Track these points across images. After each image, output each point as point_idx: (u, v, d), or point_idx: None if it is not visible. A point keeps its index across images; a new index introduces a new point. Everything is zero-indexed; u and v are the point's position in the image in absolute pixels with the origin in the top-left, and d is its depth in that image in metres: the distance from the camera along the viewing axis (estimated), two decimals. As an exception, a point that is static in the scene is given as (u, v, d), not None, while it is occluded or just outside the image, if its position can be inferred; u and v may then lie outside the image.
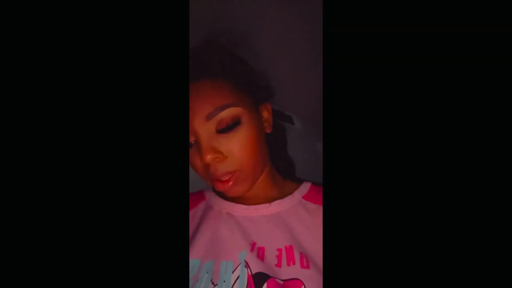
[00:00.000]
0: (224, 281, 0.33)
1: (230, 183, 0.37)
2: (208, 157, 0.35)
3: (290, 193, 0.44)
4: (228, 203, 0.43)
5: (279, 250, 0.36)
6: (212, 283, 0.33)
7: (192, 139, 0.38)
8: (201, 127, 0.36)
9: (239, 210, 0.41)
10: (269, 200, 0.42)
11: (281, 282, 0.33)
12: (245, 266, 0.34)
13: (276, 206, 0.41)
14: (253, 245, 0.37)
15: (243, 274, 0.33)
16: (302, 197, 0.43)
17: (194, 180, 0.43)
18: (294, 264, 0.35)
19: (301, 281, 0.33)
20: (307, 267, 0.34)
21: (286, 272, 0.34)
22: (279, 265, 0.35)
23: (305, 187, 0.45)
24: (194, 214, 0.43)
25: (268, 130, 0.43)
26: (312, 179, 0.47)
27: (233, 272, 0.34)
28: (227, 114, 0.36)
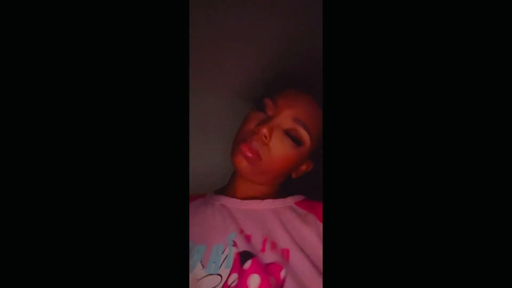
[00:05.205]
0: (214, 262, 0.37)
1: (250, 155, 0.41)
2: (265, 130, 0.40)
3: (283, 197, 0.46)
4: (223, 197, 0.46)
5: (265, 237, 0.39)
6: (202, 265, 0.37)
7: (270, 113, 0.42)
8: (286, 118, 0.41)
9: (233, 203, 0.45)
10: (262, 197, 0.45)
11: (264, 264, 0.36)
12: (233, 246, 0.38)
13: (267, 204, 0.44)
14: (241, 231, 0.40)
15: (231, 253, 0.37)
16: (294, 202, 0.46)
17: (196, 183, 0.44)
18: (277, 252, 0.37)
19: (281, 265, 0.36)
20: (287, 259, 0.37)
21: (269, 257, 0.37)
22: (263, 250, 0.38)
23: (299, 197, 0.47)
24: (191, 207, 0.46)
25: (294, 176, 0.48)
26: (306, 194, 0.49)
27: (222, 253, 0.37)
28: (303, 132, 0.42)
